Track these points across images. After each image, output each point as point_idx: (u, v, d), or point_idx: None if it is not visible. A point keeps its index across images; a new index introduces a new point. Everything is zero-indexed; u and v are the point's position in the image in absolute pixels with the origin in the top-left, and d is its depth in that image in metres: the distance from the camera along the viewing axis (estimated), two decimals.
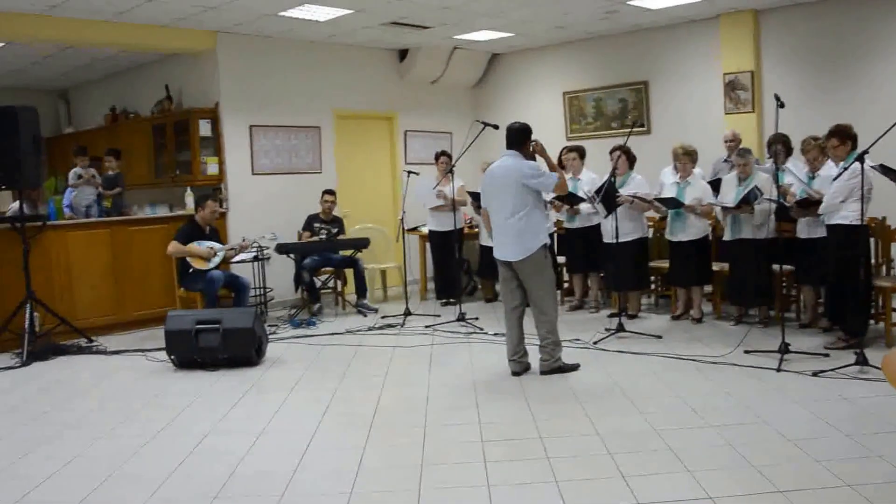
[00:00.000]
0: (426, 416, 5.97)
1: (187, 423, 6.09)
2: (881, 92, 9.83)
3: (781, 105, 6.92)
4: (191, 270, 9.21)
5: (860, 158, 6.67)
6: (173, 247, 9.14)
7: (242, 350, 7.72)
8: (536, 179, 6.87)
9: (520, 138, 7.05)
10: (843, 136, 7.40)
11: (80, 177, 10.32)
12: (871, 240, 8.16)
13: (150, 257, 9.99)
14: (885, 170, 7.29)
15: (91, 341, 9.05)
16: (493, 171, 7.13)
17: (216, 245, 9.32)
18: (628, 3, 10.11)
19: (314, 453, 5.28)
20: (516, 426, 5.66)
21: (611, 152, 9.58)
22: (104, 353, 8.73)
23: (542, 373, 7.03)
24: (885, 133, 6.57)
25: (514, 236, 6.89)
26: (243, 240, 9.79)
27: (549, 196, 8.54)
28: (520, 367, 7.10)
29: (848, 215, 7.17)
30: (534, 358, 7.15)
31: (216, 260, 9.24)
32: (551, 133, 12.67)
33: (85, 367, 8.14)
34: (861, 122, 7.82)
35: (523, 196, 6.86)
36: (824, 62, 10.37)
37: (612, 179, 8.72)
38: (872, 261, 8.16)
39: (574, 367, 7.13)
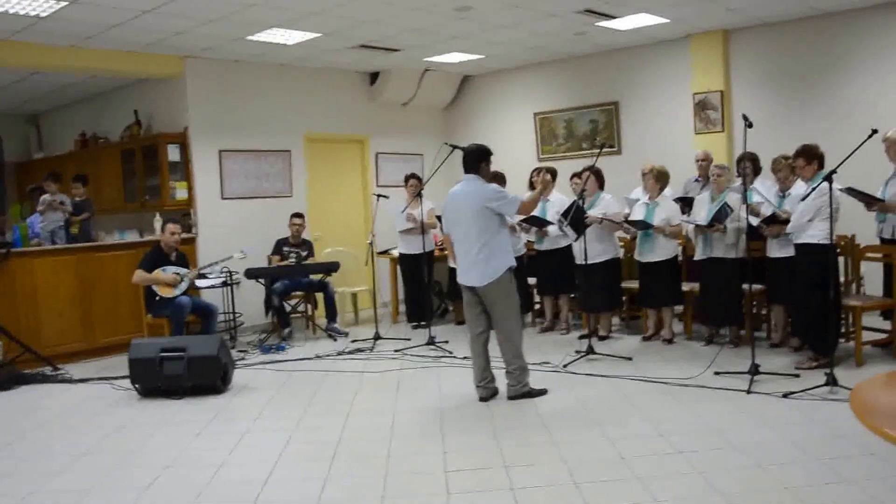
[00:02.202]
0: (390, 446, 5.88)
1: (148, 454, 5.97)
2: (849, 111, 9.87)
3: (749, 125, 6.91)
4: (157, 298, 9.11)
5: (828, 178, 6.65)
6: (138, 275, 9.04)
7: (208, 378, 7.61)
8: (499, 202, 6.78)
9: (476, 160, 6.96)
10: (809, 157, 7.42)
11: (51, 204, 10.24)
12: (841, 258, 8.18)
13: (118, 284, 9.86)
14: (852, 192, 7.32)
15: (56, 370, 8.92)
16: (453, 195, 7.04)
17: (182, 270, 9.22)
18: (598, 24, 10.12)
19: (274, 486, 5.18)
20: (481, 455, 5.57)
21: (573, 177, 9.63)
22: (69, 381, 8.59)
23: (510, 398, 6.92)
24: (853, 153, 6.58)
25: (478, 261, 6.79)
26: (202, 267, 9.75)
27: (515, 219, 8.51)
28: (487, 393, 6.99)
29: (816, 234, 7.18)
30: (501, 383, 7.07)
31: (183, 286, 9.15)
32: (523, 154, 12.73)
33: (48, 397, 8.01)
34: (829, 140, 7.86)
35: (486, 220, 6.76)
36: (793, 82, 10.43)
37: (581, 201, 8.69)
38: (841, 279, 8.18)
39: (542, 392, 7.02)
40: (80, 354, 9.64)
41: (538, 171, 9.99)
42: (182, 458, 5.84)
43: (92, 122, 13.04)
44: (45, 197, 10.25)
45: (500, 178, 9.75)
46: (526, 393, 6.93)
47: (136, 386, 7.78)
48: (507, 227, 7.06)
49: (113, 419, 7.01)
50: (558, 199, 9.65)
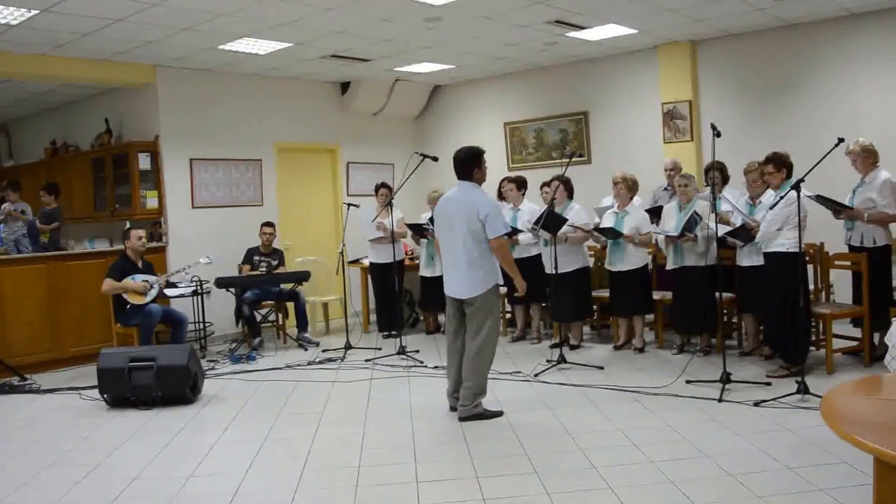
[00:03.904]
0: (361, 456, 5.85)
1: (115, 466, 5.90)
2: (815, 120, 9.96)
3: (718, 134, 6.96)
4: (128, 307, 9.04)
5: (796, 186, 6.69)
6: (108, 284, 8.98)
7: (177, 388, 7.53)
8: (488, 217, 6.48)
9: (468, 167, 6.74)
10: (779, 164, 7.48)
11: (9, 213, 10.15)
12: (810, 266, 8.24)
13: (87, 293, 9.76)
14: (821, 199, 7.38)
15: (24, 380, 8.77)
16: (449, 200, 6.77)
17: (151, 278, 9.16)
18: (567, 35, 10.16)
19: (244, 497, 5.13)
20: (453, 466, 5.55)
21: (543, 185, 9.63)
22: (36, 392, 8.48)
23: (461, 419, 6.60)
24: (819, 162, 6.63)
25: (465, 272, 6.56)
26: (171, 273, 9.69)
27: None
28: (458, 404, 6.86)
29: (784, 243, 7.23)
30: None
31: (153, 293, 9.09)
32: (493, 163, 12.58)
33: (15, 407, 7.91)
34: (796, 149, 7.93)
35: (477, 231, 6.50)
36: (760, 91, 10.53)
37: (552, 207, 8.70)
38: (811, 287, 8.23)
39: (496, 415, 6.70)
40: (49, 364, 9.53)
41: (506, 180, 10.06)
42: (150, 469, 5.78)
43: (62, 130, 12.96)
44: (6, 206, 10.16)
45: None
46: (477, 415, 6.62)
47: (105, 396, 7.69)
48: None
49: (80, 430, 6.93)
50: (528, 208, 9.66)
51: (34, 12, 7.88)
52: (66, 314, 9.79)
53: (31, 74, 9.97)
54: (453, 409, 6.88)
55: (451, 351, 6.92)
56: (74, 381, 8.85)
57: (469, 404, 6.63)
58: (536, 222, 8.80)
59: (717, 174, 7.91)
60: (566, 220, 8.74)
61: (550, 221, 8.56)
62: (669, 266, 8.63)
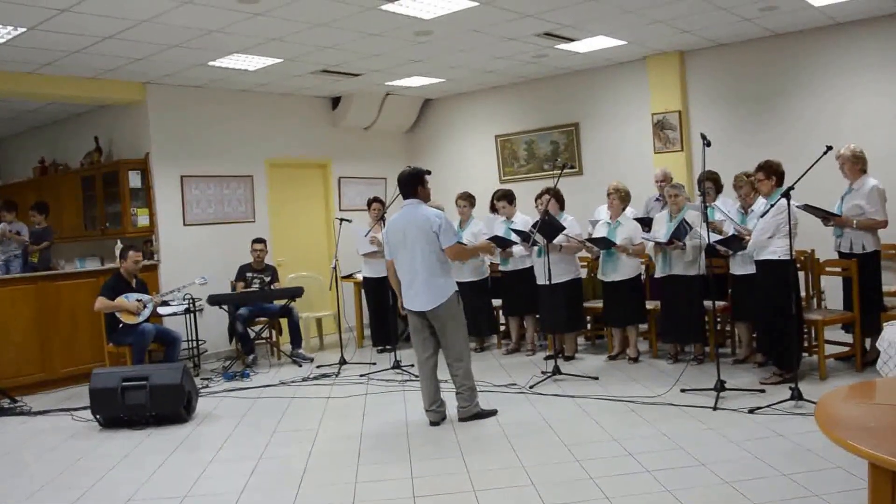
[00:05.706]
0: (357, 472, 5.82)
1: (110, 487, 5.85)
2: (804, 129, 10.00)
3: (707, 144, 6.97)
4: (121, 326, 9.01)
5: (786, 195, 6.71)
6: (100, 303, 8.95)
7: (171, 407, 7.49)
8: (441, 228, 6.79)
9: (412, 185, 6.99)
10: (769, 172, 7.49)
11: (3, 233, 10.11)
12: (801, 273, 8.26)
13: (78, 312, 9.73)
14: (808, 208, 7.40)
15: (14, 402, 8.70)
16: (397, 220, 7.01)
17: (144, 297, 9.13)
18: (557, 47, 10.18)
19: None
20: (449, 479, 5.53)
21: (537, 197, 9.60)
22: (28, 413, 8.41)
23: (461, 420, 6.96)
24: (809, 169, 6.66)
25: (424, 285, 6.81)
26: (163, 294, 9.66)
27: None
28: (438, 417, 6.98)
29: (776, 251, 7.24)
30: (450, 406, 7.07)
31: (146, 312, 9.06)
32: (485, 176, 12.76)
33: (6, 430, 7.84)
34: (785, 157, 7.92)
35: (433, 244, 6.78)
36: (748, 101, 10.57)
37: (547, 215, 8.70)
38: (802, 294, 8.25)
39: (491, 413, 7.06)
40: (40, 385, 9.46)
41: (497, 196, 10.05)
42: (145, 490, 5.73)
43: (51, 148, 12.92)
44: (2, 226, 10.12)
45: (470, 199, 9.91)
46: (476, 414, 6.98)
47: (98, 417, 7.63)
48: None
49: (72, 452, 6.87)
50: (522, 220, 9.66)
51: (21, 30, 7.87)
52: (57, 334, 9.73)
53: (18, 92, 9.95)
54: (434, 423, 6.97)
55: (422, 365, 7.08)
56: (66, 402, 8.80)
57: (469, 404, 6.94)
58: (534, 225, 8.80)
59: (710, 185, 7.92)
60: (563, 227, 8.75)
61: (547, 227, 8.57)
62: (658, 274, 8.66)
